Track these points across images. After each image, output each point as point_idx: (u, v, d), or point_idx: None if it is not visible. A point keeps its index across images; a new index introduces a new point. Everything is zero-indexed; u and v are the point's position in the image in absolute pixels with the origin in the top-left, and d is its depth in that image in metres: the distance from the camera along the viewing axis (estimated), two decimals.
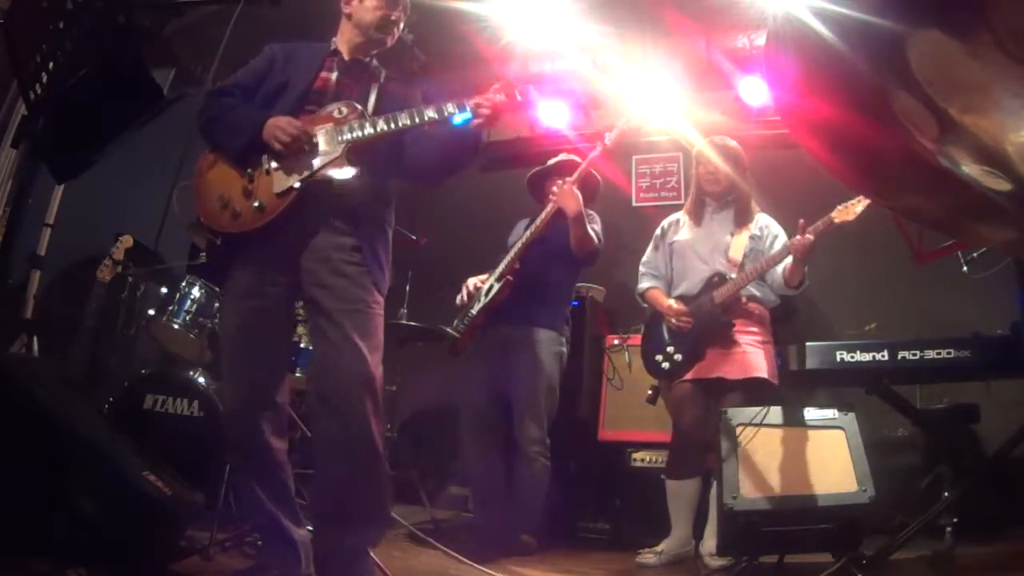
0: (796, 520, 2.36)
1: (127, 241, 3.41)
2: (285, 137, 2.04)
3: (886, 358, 2.49)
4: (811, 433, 2.49)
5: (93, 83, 1.54)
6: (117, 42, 1.52)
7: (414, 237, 3.76)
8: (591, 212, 3.53)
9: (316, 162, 2.08)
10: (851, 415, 2.49)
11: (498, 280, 3.36)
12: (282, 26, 2.32)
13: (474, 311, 3.37)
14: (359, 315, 2.03)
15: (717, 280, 3.02)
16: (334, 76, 2.24)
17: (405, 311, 3.99)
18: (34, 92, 1.63)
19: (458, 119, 2.14)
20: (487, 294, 3.37)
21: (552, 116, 4.83)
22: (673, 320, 3.06)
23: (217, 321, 3.36)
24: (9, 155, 3.52)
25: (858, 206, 2.66)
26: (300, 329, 3.26)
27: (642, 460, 3.64)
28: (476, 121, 2.10)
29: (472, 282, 3.46)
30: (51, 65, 1.58)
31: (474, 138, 2.19)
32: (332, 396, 1.99)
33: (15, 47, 1.70)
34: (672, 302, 3.11)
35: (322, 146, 2.09)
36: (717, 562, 2.73)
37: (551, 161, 3.66)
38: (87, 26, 1.50)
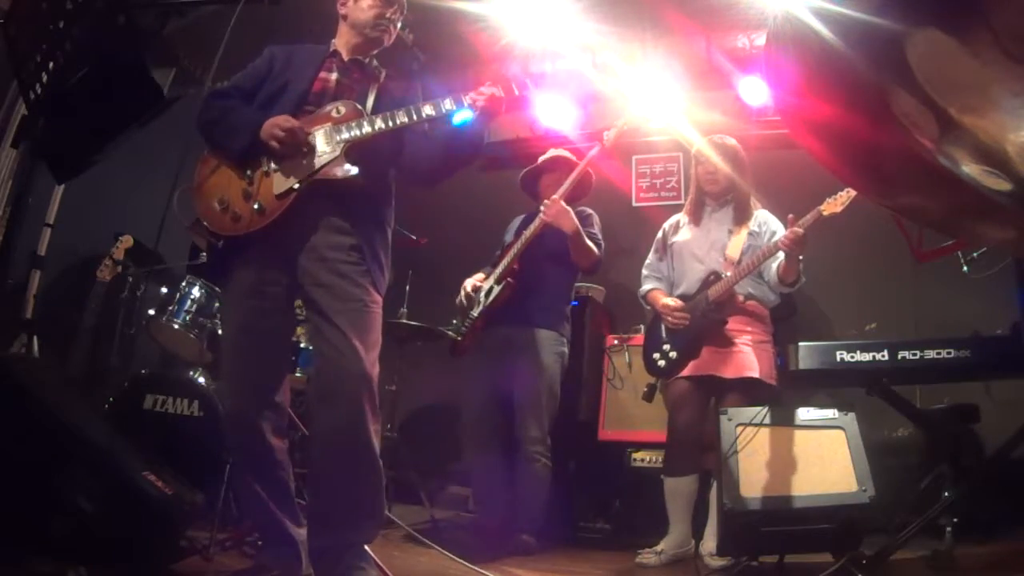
0: (796, 520, 2.36)
1: (127, 241, 3.41)
2: (280, 133, 2.04)
3: (886, 358, 2.49)
4: (811, 433, 2.49)
5: (93, 83, 1.54)
6: (117, 42, 1.52)
7: (414, 237, 3.76)
8: (590, 212, 3.53)
9: (315, 162, 2.08)
10: (851, 415, 2.49)
11: (497, 282, 3.36)
12: (282, 27, 2.32)
13: (475, 313, 3.37)
14: (356, 314, 2.03)
15: (713, 278, 3.02)
16: (334, 77, 2.24)
17: (405, 311, 3.99)
18: (34, 92, 1.63)
19: (457, 117, 2.14)
20: (487, 296, 3.37)
21: (552, 117, 4.83)
22: (669, 318, 3.06)
23: (217, 321, 3.36)
24: (9, 155, 3.52)
25: (845, 198, 2.66)
26: (300, 329, 3.26)
27: (642, 460, 3.64)
28: (475, 116, 2.11)
29: (470, 282, 3.47)
30: (51, 65, 1.58)
31: (474, 137, 2.20)
32: (328, 394, 1.99)
33: (15, 47, 1.71)
34: (669, 300, 3.12)
35: (321, 146, 2.09)
36: (717, 562, 2.73)
37: (541, 158, 3.66)
38: (87, 26, 1.50)
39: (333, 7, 2.33)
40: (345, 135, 2.09)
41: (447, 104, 2.12)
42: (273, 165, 2.09)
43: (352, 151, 2.09)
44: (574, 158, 3.57)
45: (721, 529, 2.61)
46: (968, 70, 0.85)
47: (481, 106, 2.12)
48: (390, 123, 2.10)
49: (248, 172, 2.10)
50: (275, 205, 2.06)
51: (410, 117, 2.10)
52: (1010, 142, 0.88)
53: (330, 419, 1.98)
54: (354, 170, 2.07)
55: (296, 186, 2.06)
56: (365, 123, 2.11)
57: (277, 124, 2.06)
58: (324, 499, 2.00)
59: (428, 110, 2.10)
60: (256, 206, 2.05)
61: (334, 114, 2.13)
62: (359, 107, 2.16)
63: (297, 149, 2.07)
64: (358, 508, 1.99)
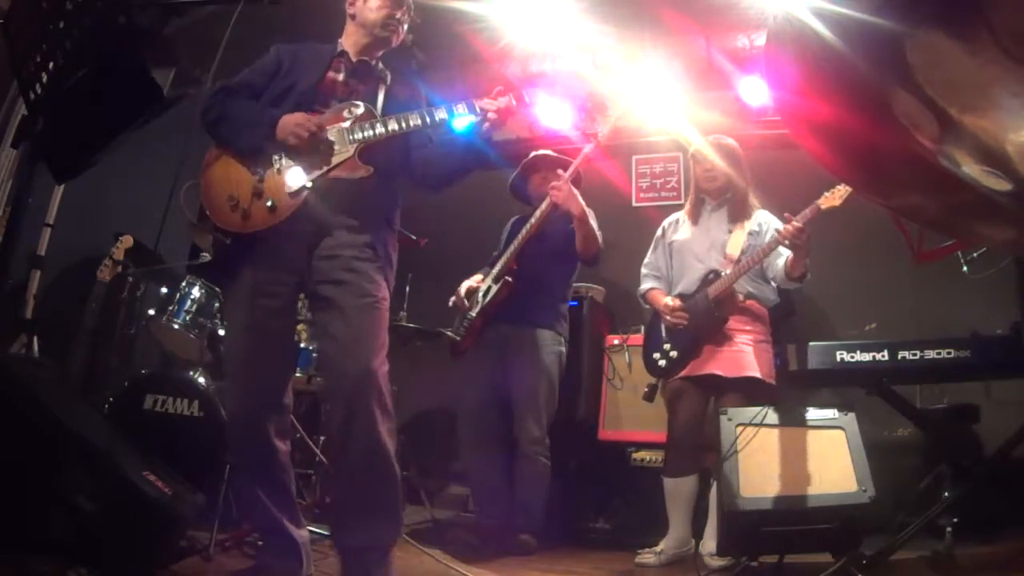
0: (796, 520, 2.36)
1: (127, 241, 3.41)
2: (303, 132, 2.04)
3: (886, 358, 2.49)
4: (811, 433, 2.49)
5: (93, 83, 1.54)
6: (117, 42, 1.52)
7: (414, 237, 3.76)
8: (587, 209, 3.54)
9: (329, 161, 2.09)
10: (851, 415, 2.49)
11: (495, 281, 3.36)
12: (282, 27, 2.32)
13: (473, 313, 3.38)
14: (370, 311, 2.04)
15: (712, 277, 3.02)
16: (341, 77, 2.24)
17: (405, 312, 3.99)
18: (34, 92, 1.63)
19: (467, 121, 2.15)
20: (485, 295, 3.37)
21: (552, 117, 4.82)
22: (668, 317, 3.06)
23: (217, 321, 3.36)
24: (9, 155, 3.52)
25: (843, 191, 2.66)
26: (300, 328, 3.26)
27: (642, 459, 3.64)
28: (485, 125, 2.12)
29: (466, 285, 3.46)
30: (51, 65, 1.58)
31: (487, 148, 2.22)
32: (339, 396, 2.00)
33: (15, 47, 1.70)
34: (668, 300, 3.12)
35: (335, 145, 2.09)
36: (717, 562, 2.73)
37: (524, 161, 3.67)
38: (87, 26, 1.50)
39: (333, 7, 2.33)
40: (359, 135, 2.10)
41: (460, 109, 2.13)
42: (285, 163, 2.09)
43: (365, 152, 2.10)
44: (556, 154, 3.60)
45: (721, 529, 2.61)
46: (968, 70, 0.86)
47: (493, 117, 2.12)
48: (403, 125, 2.11)
49: (259, 169, 2.09)
50: (287, 203, 2.06)
51: (423, 121, 2.11)
52: (1010, 142, 0.88)
53: (341, 421, 1.99)
54: (368, 169, 2.09)
55: (309, 184, 2.06)
56: (379, 124, 2.11)
57: (301, 124, 2.05)
58: (343, 501, 2.03)
59: (441, 115, 2.11)
60: (269, 204, 2.05)
61: (347, 114, 2.14)
62: (372, 108, 2.17)
63: (313, 148, 2.08)
64: (375, 510, 1.99)
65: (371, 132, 2.10)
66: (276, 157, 2.09)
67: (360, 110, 2.14)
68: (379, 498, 2.00)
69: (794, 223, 2.72)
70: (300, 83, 2.19)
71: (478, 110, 2.13)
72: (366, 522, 1.97)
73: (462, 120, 2.15)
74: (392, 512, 2.04)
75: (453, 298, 3.47)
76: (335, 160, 2.09)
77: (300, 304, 2.47)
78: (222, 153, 2.15)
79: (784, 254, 2.89)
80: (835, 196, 2.68)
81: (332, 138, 2.10)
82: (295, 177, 2.08)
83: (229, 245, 2.13)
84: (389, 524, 2.03)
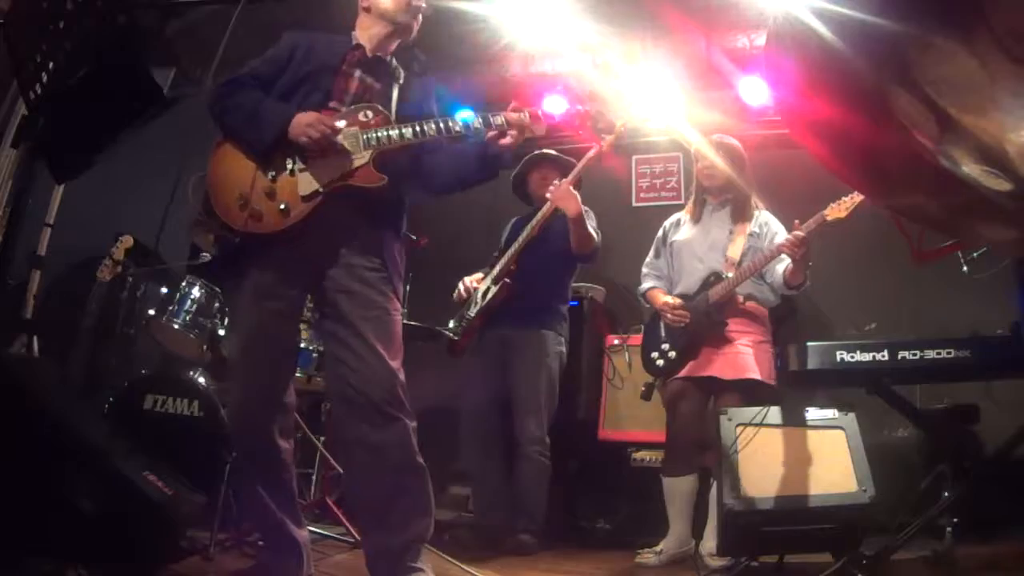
0: (796, 520, 2.36)
1: (127, 241, 3.40)
2: (316, 134, 1.99)
3: (886, 358, 2.48)
4: (811, 433, 2.49)
5: (93, 83, 1.54)
6: (117, 42, 1.52)
7: (414, 237, 3.76)
8: (586, 209, 3.54)
9: (345, 166, 2.04)
10: (851, 415, 2.49)
11: (495, 282, 3.36)
12: (282, 26, 2.31)
13: (471, 313, 3.38)
14: (380, 322, 2.03)
15: (713, 279, 3.01)
16: (356, 73, 2.19)
17: (405, 311, 3.99)
18: (34, 92, 1.64)
19: (481, 134, 2.12)
20: (484, 296, 3.37)
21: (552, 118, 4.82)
22: (668, 315, 3.06)
23: (217, 321, 3.36)
24: (9, 155, 3.52)
25: (850, 203, 2.66)
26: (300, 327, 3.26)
27: (642, 459, 3.64)
28: (500, 140, 2.09)
29: (468, 281, 3.47)
30: (51, 65, 1.59)
31: (499, 163, 2.18)
32: (360, 405, 1.98)
33: (15, 47, 1.71)
34: (668, 298, 3.11)
35: (348, 150, 2.05)
36: (717, 562, 2.73)
37: (524, 160, 3.67)
38: (87, 26, 1.51)
39: (334, 7, 2.31)
40: (374, 141, 2.05)
41: (476, 123, 2.08)
42: (299, 164, 2.04)
43: (378, 157, 2.06)
44: (556, 154, 3.61)
45: (721, 529, 2.61)
46: (968, 70, 0.86)
47: (513, 133, 2.09)
48: (419, 133, 2.06)
49: (271, 169, 2.04)
50: (300, 206, 2.02)
51: (439, 131, 2.06)
52: (1010, 142, 0.88)
53: (367, 430, 1.98)
54: (383, 178, 2.04)
55: (322, 188, 2.02)
56: (394, 131, 2.06)
57: (311, 124, 2.00)
58: (374, 504, 2.02)
59: (456, 127, 2.07)
60: (282, 206, 2.01)
61: (362, 118, 2.09)
62: (387, 113, 2.12)
63: (327, 150, 2.03)
64: (414, 508, 2.01)
65: (387, 138, 2.05)
66: (290, 159, 2.04)
67: (375, 114, 2.10)
68: (417, 497, 2.03)
69: (796, 233, 2.71)
70: (313, 75, 2.14)
71: (493, 126, 2.09)
72: (410, 522, 2.00)
73: (477, 134, 2.11)
74: (429, 506, 2.07)
75: (455, 293, 3.47)
76: (351, 166, 2.04)
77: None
78: (231, 148, 2.10)
79: (785, 260, 2.88)
80: (841, 208, 2.68)
81: (346, 142, 2.05)
82: (309, 180, 2.03)
83: (237, 244, 2.08)
84: (428, 517, 2.06)
